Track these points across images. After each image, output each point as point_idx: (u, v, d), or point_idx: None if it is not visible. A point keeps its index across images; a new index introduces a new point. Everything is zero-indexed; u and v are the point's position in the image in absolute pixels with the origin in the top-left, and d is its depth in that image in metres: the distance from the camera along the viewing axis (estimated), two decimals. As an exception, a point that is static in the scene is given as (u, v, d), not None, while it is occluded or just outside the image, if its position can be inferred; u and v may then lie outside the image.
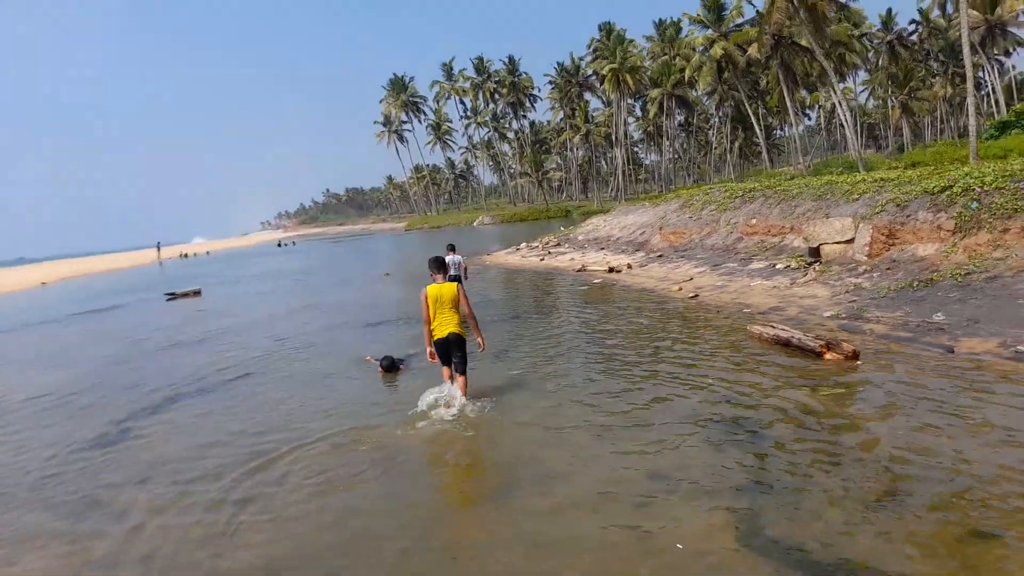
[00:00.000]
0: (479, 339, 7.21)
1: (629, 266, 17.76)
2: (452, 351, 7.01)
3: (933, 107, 76.70)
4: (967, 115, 26.13)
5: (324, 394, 8.30)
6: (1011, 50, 60.41)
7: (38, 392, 9.72)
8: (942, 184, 11.50)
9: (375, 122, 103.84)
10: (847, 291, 10.55)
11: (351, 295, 19.99)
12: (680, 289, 13.58)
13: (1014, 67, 74.40)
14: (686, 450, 5.45)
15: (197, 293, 25.24)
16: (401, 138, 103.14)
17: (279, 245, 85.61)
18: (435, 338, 7.01)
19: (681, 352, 8.64)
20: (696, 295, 12.69)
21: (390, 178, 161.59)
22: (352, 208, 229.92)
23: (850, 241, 12.69)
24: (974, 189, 10.76)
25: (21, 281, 50.33)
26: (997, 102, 56.68)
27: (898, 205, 12.06)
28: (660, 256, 18.34)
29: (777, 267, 13.51)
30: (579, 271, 19.09)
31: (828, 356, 7.54)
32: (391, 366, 9.10)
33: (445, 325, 6.98)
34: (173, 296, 24.80)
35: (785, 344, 8.17)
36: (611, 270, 17.67)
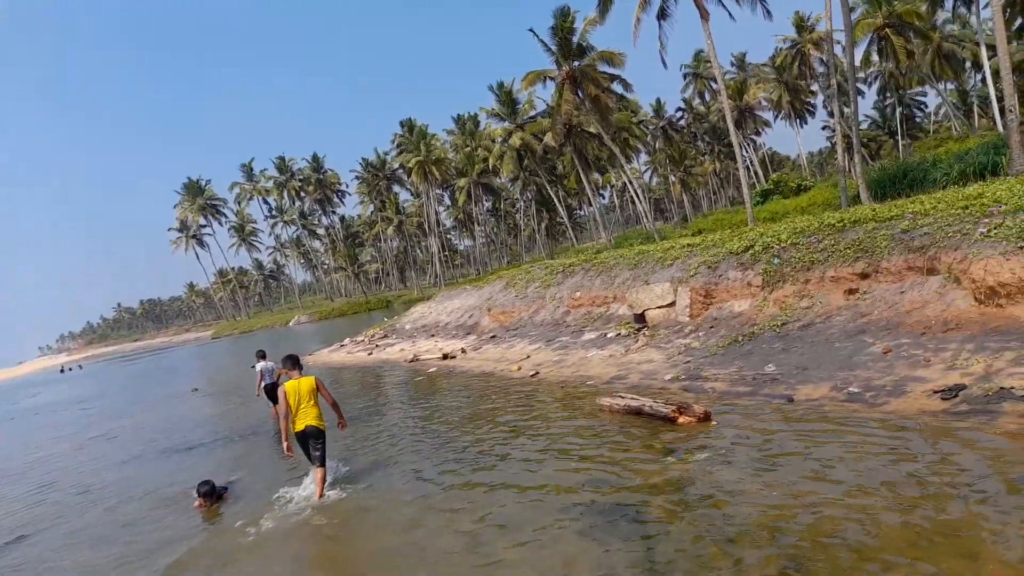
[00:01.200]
0: (340, 420, 7.65)
1: (463, 350, 17.31)
2: (311, 443, 7.20)
3: (706, 181, 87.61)
4: (739, 185, 29.62)
5: (126, 553, 6.68)
6: (760, 130, 71.16)
7: None
8: (744, 245, 12.50)
9: (170, 228, 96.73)
10: (680, 352, 10.86)
11: (152, 418, 17.40)
12: (519, 368, 13.31)
13: (764, 144, 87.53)
14: (567, 548, 4.89)
15: (-50, 440, 20.72)
16: (201, 243, 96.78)
17: (61, 371, 75.17)
18: (294, 430, 7.16)
19: (535, 435, 8.18)
20: (536, 372, 12.47)
21: (191, 285, 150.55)
22: (149, 321, 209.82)
23: (671, 304, 13.30)
24: (773, 247, 11.77)
25: None
26: (756, 173, 66.00)
27: (709, 267, 12.90)
28: (493, 337, 18.13)
29: (608, 336, 13.77)
30: (411, 361, 18.29)
31: (681, 420, 7.47)
32: (210, 492, 7.69)
33: (303, 418, 7.17)
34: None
35: (637, 413, 8.03)
36: (445, 356, 17.09)
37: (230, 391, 21.02)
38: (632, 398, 8.36)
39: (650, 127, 77.61)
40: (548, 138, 57.06)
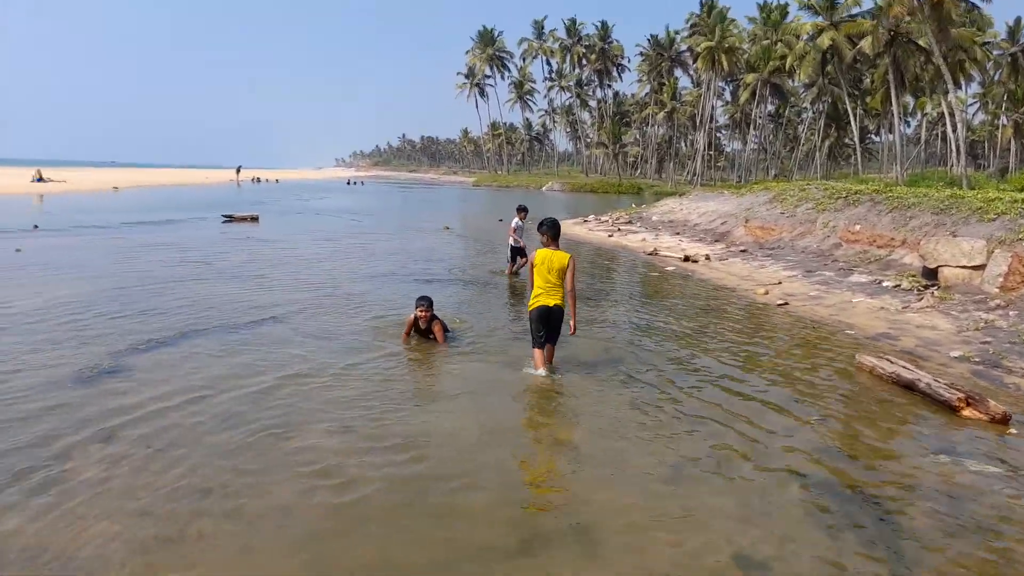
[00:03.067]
0: (572, 320, 6.54)
1: (707, 257, 16.07)
2: (548, 325, 6.46)
3: (1051, 131, 70.48)
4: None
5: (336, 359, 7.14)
6: None
7: (43, 306, 8.91)
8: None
9: (458, 73, 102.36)
10: (977, 328, 8.77)
11: (407, 244, 18.94)
12: (767, 293, 11.92)
13: None
14: (786, 525, 4.05)
15: (254, 219, 24.70)
16: (482, 92, 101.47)
17: (348, 183, 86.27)
18: (535, 306, 6.44)
19: (772, 375, 7.14)
20: (786, 303, 11.03)
21: (465, 131, 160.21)
22: (425, 156, 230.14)
23: (979, 267, 10.78)
24: None
25: (96, 182, 51.56)
26: None
27: (1050, 234, 10.10)
28: (743, 251, 16.57)
29: (884, 284, 11.68)
30: (650, 254, 17.49)
31: (966, 413, 5.94)
32: (431, 306, 7.57)
33: (551, 295, 6.41)
34: (230, 218, 24.31)
35: (907, 387, 6.58)
36: (687, 259, 16.02)
37: (477, 237, 22.10)
38: (904, 366, 6.86)
39: (995, 51, 63.08)
40: (865, 43, 48.99)
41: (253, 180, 74.65)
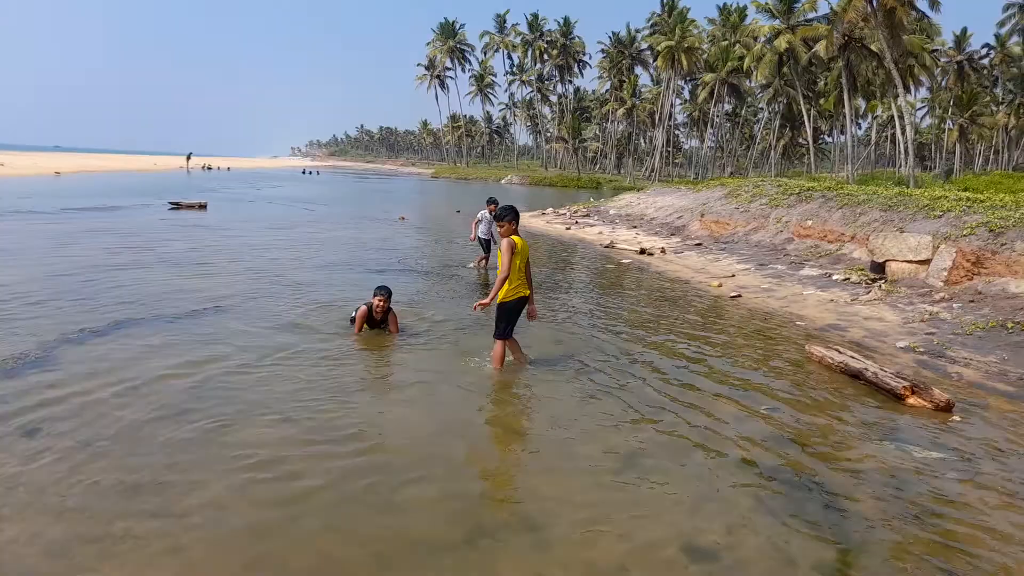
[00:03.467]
0: (531, 305, 6.45)
1: (663, 250, 16.18)
2: (516, 316, 6.30)
3: (991, 135, 73.33)
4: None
5: (278, 352, 6.90)
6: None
7: (-29, 291, 8.43)
8: (1054, 213, 9.81)
9: (418, 64, 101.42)
10: (922, 319, 8.98)
11: (359, 233, 18.60)
12: (720, 285, 12.04)
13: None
14: (736, 513, 4.02)
15: (203, 207, 23.97)
16: (442, 84, 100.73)
17: (303, 172, 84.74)
18: (516, 296, 6.19)
19: (724, 365, 7.16)
20: (739, 295, 11.14)
21: (425, 123, 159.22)
22: (383, 147, 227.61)
23: (924, 262, 11.05)
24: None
25: (36, 167, 49.50)
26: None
27: (991, 230, 10.39)
28: (698, 244, 16.72)
29: (833, 277, 11.91)
30: (606, 247, 17.54)
31: (911, 401, 6.04)
32: (390, 296, 7.34)
33: (527, 285, 6.31)
34: (177, 206, 23.55)
35: (854, 376, 6.67)
36: (643, 251, 16.11)
37: (433, 227, 21.87)
38: (852, 356, 6.95)
39: (942, 59, 65.47)
40: (820, 47, 50.22)
41: (204, 167, 72.65)
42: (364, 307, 7.37)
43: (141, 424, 4.78)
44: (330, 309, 8.60)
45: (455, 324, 8.32)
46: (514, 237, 6.10)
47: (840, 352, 7.12)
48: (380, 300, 7.27)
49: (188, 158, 74.18)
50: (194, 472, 4.16)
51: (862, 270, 12.09)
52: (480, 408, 5.76)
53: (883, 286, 10.88)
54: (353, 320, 7.46)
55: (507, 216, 6.14)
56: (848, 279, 11.65)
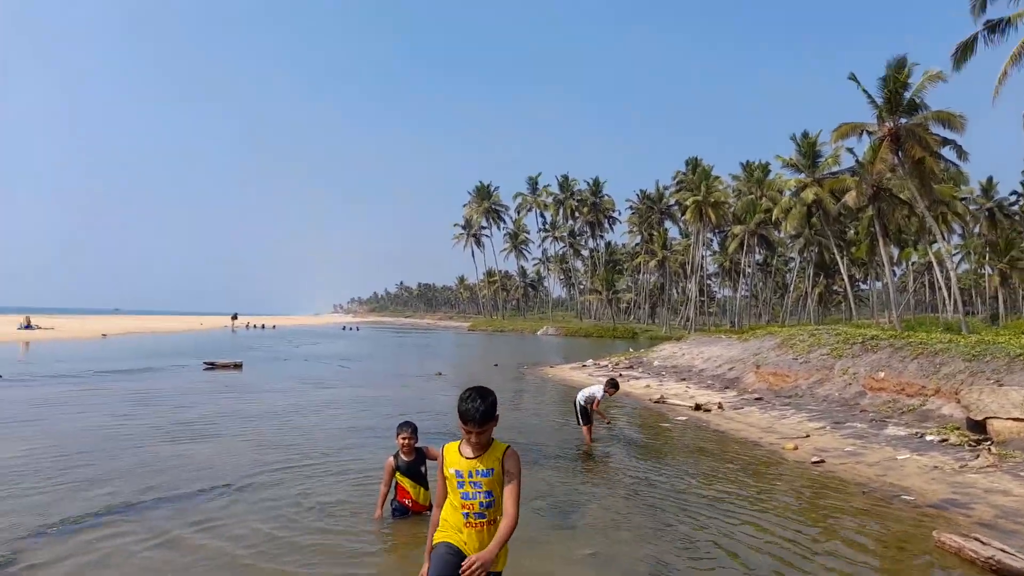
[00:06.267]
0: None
1: (720, 406, 14.86)
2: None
3: (1033, 279, 71.75)
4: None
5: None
6: None
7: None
8: None
9: (455, 224, 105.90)
10: (1060, 494, 7.48)
11: (394, 392, 17.69)
12: (796, 448, 10.63)
13: None
14: None
15: (238, 366, 23.57)
16: (478, 242, 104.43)
17: (343, 328, 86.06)
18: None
19: (846, 565, 5.75)
20: (822, 460, 9.72)
21: (462, 278, 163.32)
22: (421, 302, 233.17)
23: (1034, 419, 9.63)
24: None
25: (85, 330, 50.79)
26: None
27: (1112, 382, 9.07)
28: (758, 399, 15.38)
29: (927, 438, 10.44)
30: (657, 402, 16.28)
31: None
32: (415, 432, 6.35)
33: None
34: (211, 366, 23.18)
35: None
36: (698, 407, 14.80)
37: (471, 383, 20.87)
38: (1002, 549, 5.53)
39: (972, 206, 65.86)
40: (848, 198, 50.54)
41: (248, 326, 74.18)
42: (390, 458, 6.33)
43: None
44: (361, 487, 7.51)
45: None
46: (449, 445, 3.35)
47: (983, 543, 5.70)
48: (405, 437, 6.28)
49: (234, 318, 76.25)
50: None
51: (958, 429, 10.64)
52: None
53: (993, 449, 9.39)
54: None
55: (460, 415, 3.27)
56: (946, 440, 10.19)
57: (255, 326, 75.48)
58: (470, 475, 3.18)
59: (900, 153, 38.57)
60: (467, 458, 3.20)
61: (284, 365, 26.61)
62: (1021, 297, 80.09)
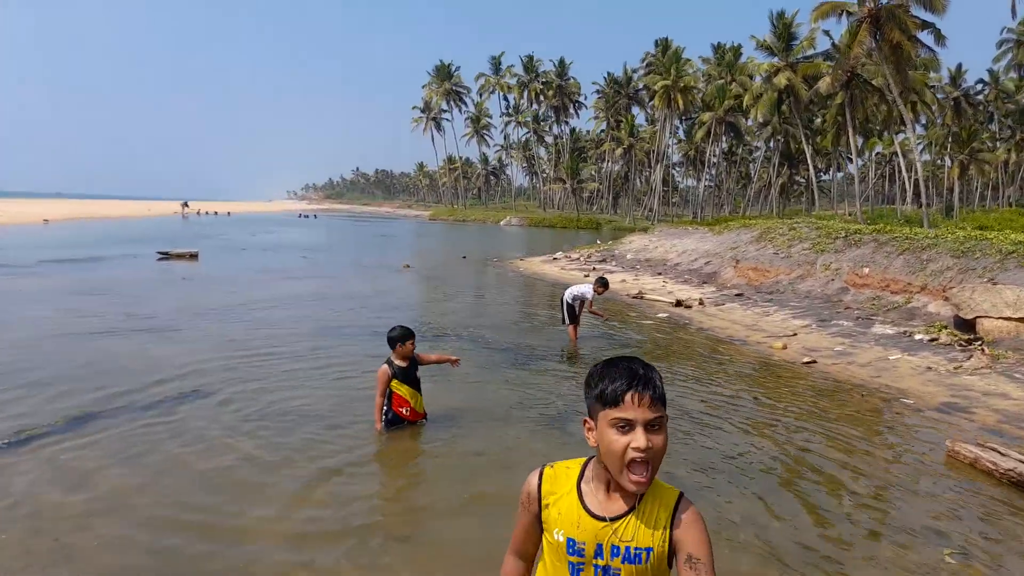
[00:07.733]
0: None
1: (701, 302, 14.64)
2: None
3: (990, 172, 72.99)
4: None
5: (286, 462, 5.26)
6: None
7: None
8: None
9: (414, 107, 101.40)
10: (1060, 397, 7.40)
11: (362, 286, 17.00)
12: (784, 347, 10.46)
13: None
14: None
15: (193, 256, 22.46)
16: (438, 126, 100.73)
17: (299, 216, 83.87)
18: None
19: (855, 473, 5.53)
20: (813, 361, 9.55)
21: (421, 165, 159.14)
22: (379, 190, 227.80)
23: (1026, 320, 9.54)
24: None
25: (26, 215, 48.17)
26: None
27: (1112, 282, 8.92)
28: (739, 295, 15.20)
29: (916, 337, 10.35)
30: (635, 297, 16.00)
31: None
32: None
33: None
34: (165, 256, 22.05)
35: (1035, 489, 5.06)
36: (679, 303, 14.56)
37: (443, 277, 20.32)
38: (1022, 460, 5.36)
39: (939, 95, 65.44)
40: (822, 84, 49.50)
41: (199, 213, 71.51)
42: (384, 366, 5.76)
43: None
44: (344, 393, 6.99)
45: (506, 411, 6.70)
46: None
47: (1002, 454, 5.51)
48: (412, 344, 5.81)
49: (185, 204, 73.39)
50: None
51: (946, 328, 10.55)
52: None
53: (986, 350, 9.31)
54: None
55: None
56: (936, 339, 10.09)
57: (207, 212, 72.80)
58: (600, 552, 1.53)
59: (878, 36, 37.41)
60: (599, 518, 1.54)
61: (243, 255, 25.54)
62: (976, 189, 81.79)
